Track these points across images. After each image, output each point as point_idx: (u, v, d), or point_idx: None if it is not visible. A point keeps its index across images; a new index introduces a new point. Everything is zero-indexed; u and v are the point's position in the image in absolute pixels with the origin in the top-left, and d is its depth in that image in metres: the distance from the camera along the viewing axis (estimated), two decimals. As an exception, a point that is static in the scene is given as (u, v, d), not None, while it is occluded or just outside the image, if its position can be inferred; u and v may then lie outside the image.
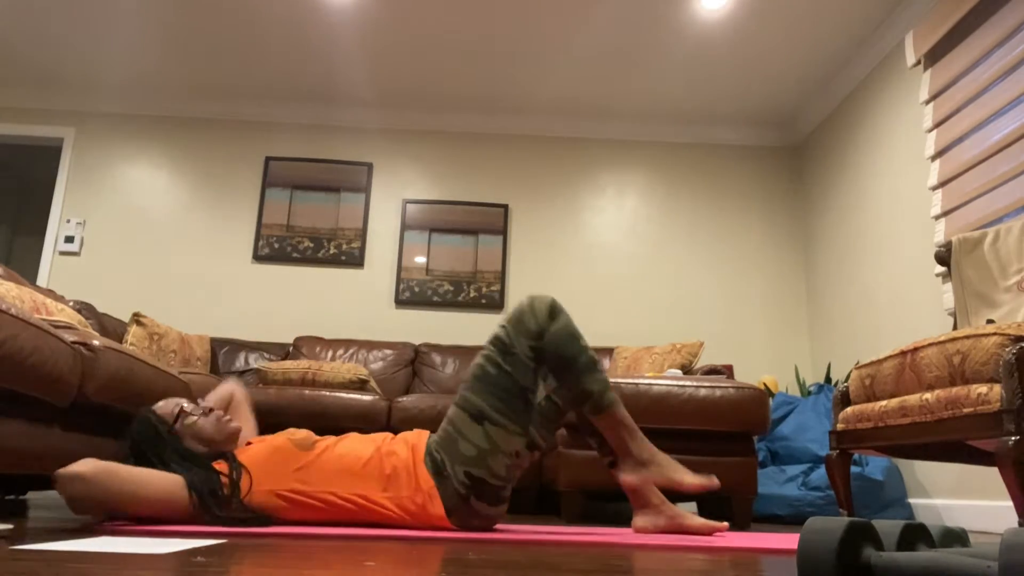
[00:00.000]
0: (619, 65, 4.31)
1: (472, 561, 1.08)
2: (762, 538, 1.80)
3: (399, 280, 4.70)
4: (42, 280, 4.62)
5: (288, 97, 4.84)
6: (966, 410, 1.68)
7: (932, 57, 3.51)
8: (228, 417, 1.75)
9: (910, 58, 3.64)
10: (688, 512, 1.76)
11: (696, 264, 4.81)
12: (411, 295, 4.68)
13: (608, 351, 4.23)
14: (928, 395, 1.81)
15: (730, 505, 2.76)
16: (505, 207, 4.82)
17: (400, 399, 3.42)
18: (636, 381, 2.78)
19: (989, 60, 3.10)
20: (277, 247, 4.73)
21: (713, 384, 2.79)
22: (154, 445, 1.64)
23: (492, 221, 4.81)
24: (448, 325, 4.67)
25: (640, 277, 4.79)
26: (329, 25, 4.05)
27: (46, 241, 4.69)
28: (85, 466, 1.48)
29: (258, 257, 4.72)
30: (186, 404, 1.73)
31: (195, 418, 1.71)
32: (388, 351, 4.24)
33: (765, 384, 4.25)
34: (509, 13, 3.87)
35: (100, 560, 0.94)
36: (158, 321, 4.57)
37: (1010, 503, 2.87)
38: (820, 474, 3.35)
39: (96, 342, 2.10)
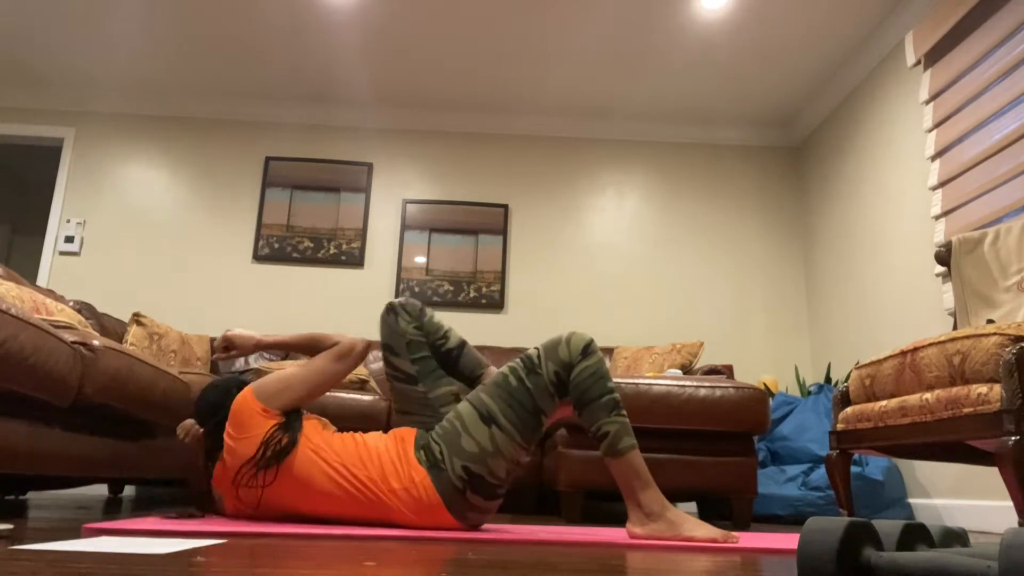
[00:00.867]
0: (619, 65, 4.31)
1: (472, 561, 1.08)
2: (762, 538, 1.80)
3: (399, 280, 4.70)
4: (42, 280, 4.62)
5: (288, 97, 4.84)
6: (966, 410, 1.68)
7: (932, 57, 3.51)
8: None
9: (910, 58, 3.64)
10: (690, 516, 1.74)
11: (696, 264, 4.81)
12: (411, 295, 4.67)
13: (608, 351, 4.23)
14: (928, 395, 1.81)
15: (730, 505, 2.76)
16: (505, 207, 4.82)
17: (400, 399, 3.42)
18: (636, 381, 2.78)
19: (989, 60, 3.10)
20: (277, 247, 4.73)
21: (713, 384, 2.79)
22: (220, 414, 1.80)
23: (492, 221, 4.81)
24: (448, 325, 4.66)
25: (640, 277, 4.79)
26: (329, 25, 4.05)
27: (46, 241, 4.69)
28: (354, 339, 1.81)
29: (258, 257, 4.72)
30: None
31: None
32: (388, 351, 4.24)
33: (765, 384, 4.25)
34: (509, 13, 3.87)
35: (100, 560, 0.94)
36: (158, 321, 4.57)
37: (1010, 503, 2.87)
38: (820, 474, 3.35)
39: (96, 342, 2.10)
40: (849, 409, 2.17)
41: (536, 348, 1.74)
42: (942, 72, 3.41)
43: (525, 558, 1.16)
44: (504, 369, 1.74)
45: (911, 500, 3.51)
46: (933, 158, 3.48)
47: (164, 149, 4.88)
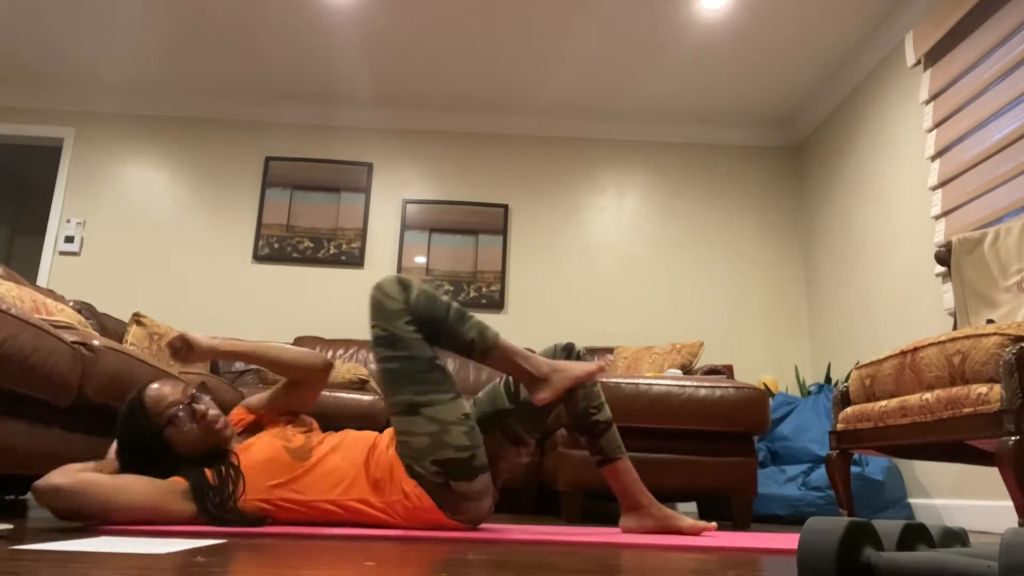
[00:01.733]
0: (619, 65, 4.31)
1: (472, 561, 1.08)
2: (762, 538, 1.80)
3: (399, 280, 4.69)
4: (42, 280, 4.62)
5: (288, 97, 4.85)
6: (966, 410, 1.68)
7: (932, 57, 3.51)
8: (222, 425, 1.65)
9: (910, 58, 3.64)
10: (679, 513, 1.75)
11: (696, 264, 4.81)
12: (411, 295, 4.67)
13: (608, 351, 4.23)
14: (928, 395, 1.81)
15: (730, 505, 2.76)
16: (505, 207, 4.82)
17: (400, 399, 3.42)
18: (636, 381, 2.78)
19: (989, 60, 3.10)
20: (277, 247, 4.73)
21: (713, 384, 2.79)
22: (144, 452, 1.58)
23: (492, 221, 4.81)
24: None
25: (640, 277, 4.79)
26: (329, 25, 4.05)
27: (46, 241, 4.69)
28: (63, 477, 1.42)
29: (258, 257, 4.72)
30: (177, 406, 1.61)
31: (180, 428, 1.60)
32: (388, 351, 4.23)
33: (765, 384, 4.25)
34: (509, 13, 3.87)
35: (100, 560, 0.94)
36: (158, 321, 4.57)
37: (1010, 503, 2.87)
38: (820, 474, 3.35)
39: (96, 342, 2.10)
40: (849, 409, 2.17)
41: (374, 326, 1.67)
42: (942, 72, 3.41)
43: (525, 558, 1.16)
44: (378, 367, 1.69)
45: (911, 500, 3.51)
46: (933, 158, 3.47)
47: (164, 149, 4.88)
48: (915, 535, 0.90)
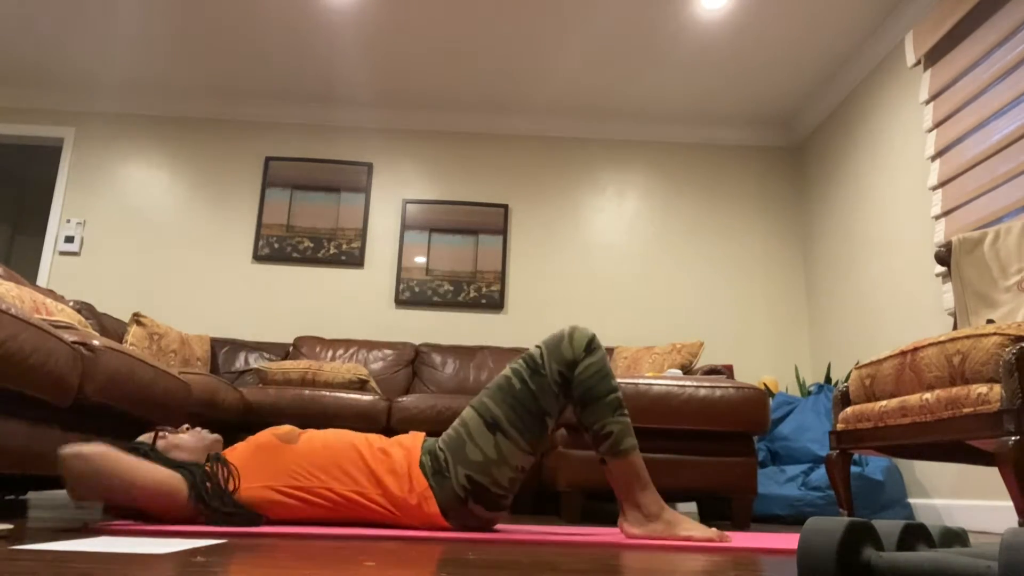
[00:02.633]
0: (619, 65, 4.31)
1: (472, 561, 1.08)
2: (762, 538, 1.80)
3: (399, 280, 4.70)
4: (42, 280, 4.62)
5: (288, 97, 4.85)
6: (966, 410, 1.68)
7: (932, 57, 3.51)
8: (205, 431, 1.74)
9: (910, 58, 3.64)
10: (686, 517, 1.72)
11: (696, 264, 4.81)
12: (411, 295, 4.68)
13: (608, 351, 4.23)
14: (928, 395, 1.81)
15: (730, 505, 2.76)
16: (505, 207, 4.83)
17: (400, 399, 3.42)
18: (636, 381, 2.78)
19: (989, 60, 3.10)
20: (277, 247, 4.73)
21: (713, 384, 2.79)
22: (145, 455, 1.63)
23: (492, 221, 4.81)
24: (448, 325, 4.67)
25: (640, 277, 4.79)
26: (329, 25, 4.05)
27: (46, 241, 4.69)
28: (89, 446, 1.48)
29: (258, 257, 4.72)
30: (161, 428, 1.72)
31: (173, 435, 1.69)
32: (388, 351, 4.24)
33: (765, 384, 4.25)
34: (509, 13, 3.87)
35: (100, 560, 0.94)
36: (158, 321, 4.57)
37: (1010, 503, 2.87)
38: (820, 474, 3.35)
39: (96, 342, 2.10)
40: (849, 409, 2.17)
41: (538, 347, 1.68)
42: (942, 72, 3.41)
43: (525, 558, 1.16)
44: (507, 371, 1.69)
45: (911, 500, 3.51)
46: (933, 158, 3.47)
47: (164, 149, 4.88)
48: (915, 535, 0.90)
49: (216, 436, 1.74)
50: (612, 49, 4.16)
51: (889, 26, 3.83)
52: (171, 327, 4.06)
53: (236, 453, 1.66)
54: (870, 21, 3.86)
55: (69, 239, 4.67)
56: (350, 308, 4.69)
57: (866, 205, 4.10)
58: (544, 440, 1.69)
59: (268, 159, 4.86)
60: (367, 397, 3.37)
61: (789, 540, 1.74)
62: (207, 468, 1.60)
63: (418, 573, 0.92)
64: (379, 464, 1.66)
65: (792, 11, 3.78)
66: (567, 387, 1.65)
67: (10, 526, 1.42)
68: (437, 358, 4.25)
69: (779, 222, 4.91)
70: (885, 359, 2.01)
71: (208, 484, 1.56)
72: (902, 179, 3.76)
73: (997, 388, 1.62)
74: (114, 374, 2.13)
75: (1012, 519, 2.84)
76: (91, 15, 4.05)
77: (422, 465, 1.65)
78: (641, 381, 2.79)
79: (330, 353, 4.18)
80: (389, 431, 3.36)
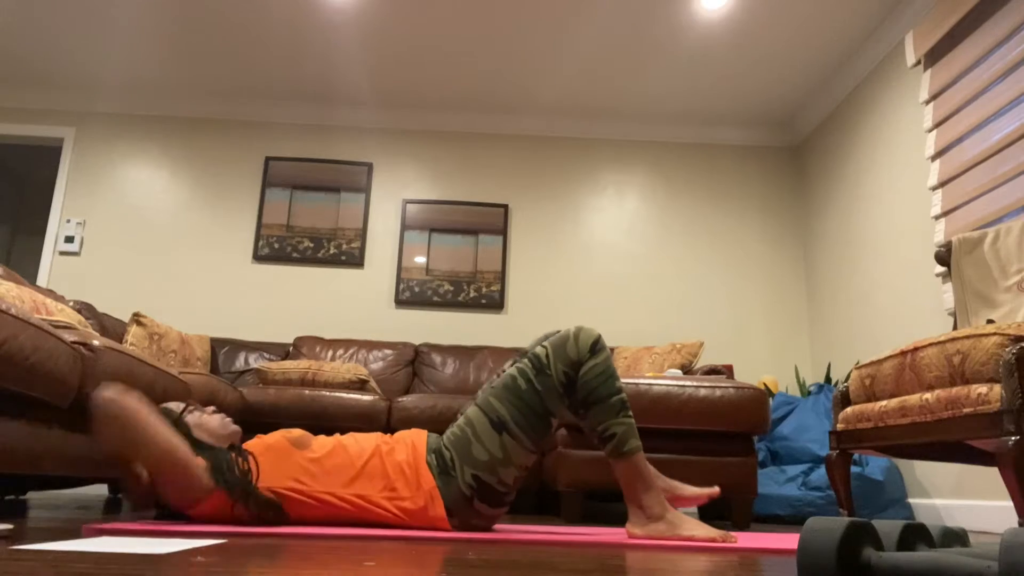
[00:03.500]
0: (619, 65, 4.31)
1: (472, 561, 1.08)
2: (762, 538, 1.80)
3: (399, 280, 4.70)
4: (42, 280, 4.62)
5: (288, 97, 4.85)
6: (966, 410, 1.68)
7: (932, 57, 3.51)
8: (229, 419, 1.76)
9: (910, 58, 3.64)
10: (689, 517, 1.72)
11: (696, 264, 4.81)
12: (411, 295, 4.68)
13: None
14: (928, 395, 1.81)
15: (730, 505, 2.76)
16: (505, 207, 4.83)
17: (400, 399, 3.42)
18: (636, 381, 2.79)
19: (989, 60, 3.10)
20: (277, 247, 4.73)
21: (713, 384, 2.79)
22: (175, 422, 1.66)
23: (492, 221, 4.81)
24: (448, 325, 4.67)
25: (640, 277, 4.79)
26: (329, 25, 4.05)
27: (46, 241, 4.69)
28: (129, 393, 1.49)
29: (258, 257, 4.72)
30: (192, 403, 1.75)
31: (201, 414, 1.72)
32: (388, 351, 4.24)
33: (765, 384, 4.25)
34: (509, 13, 3.87)
35: (100, 560, 0.94)
36: (158, 321, 4.57)
37: (1010, 503, 2.87)
38: (820, 474, 3.35)
39: (96, 342, 2.10)
40: (849, 409, 2.17)
41: (543, 346, 1.68)
42: (942, 72, 3.41)
43: (525, 558, 1.16)
44: (512, 370, 1.69)
45: (911, 500, 3.51)
46: (933, 158, 3.48)
47: (164, 149, 4.88)
48: (915, 535, 0.90)
49: (237, 428, 1.75)
50: (612, 49, 4.16)
51: (889, 26, 3.83)
52: (171, 327, 4.06)
53: (250, 445, 1.67)
54: (870, 21, 3.86)
55: (69, 239, 4.67)
56: (350, 308, 4.69)
57: (866, 205, 4.10)
58: (548, 438, 1.69)
59: (268, 159, 4.86)
60: (367, 397, 3.37)
61: (789, 540, 1.74)
62: (231, 456, 1.61)
63: (418, 573, 0.92)
64: (388, 466, 1.65)
65: (792, 11, 3.78)
66: (572, 388, 1.65)
67: (10, 526, 1.42)
68: (437, 358, 4.25)
69: (779, 222, 4.91)
70: (885, 359, 2.01)
71: (236, 470, 1.56)
72: (902, 179, 3.76)
73: (997, 388, 1.62)
74: (114, 374, 2.14)
75: (1012, 519, 2.84)
76: (91, 15, 4.05)
77: (428, 464, 1.65)
78: (641, 381, 2.79)
79: (330, 353, 4.18)
80: (389, 431, 3.36)
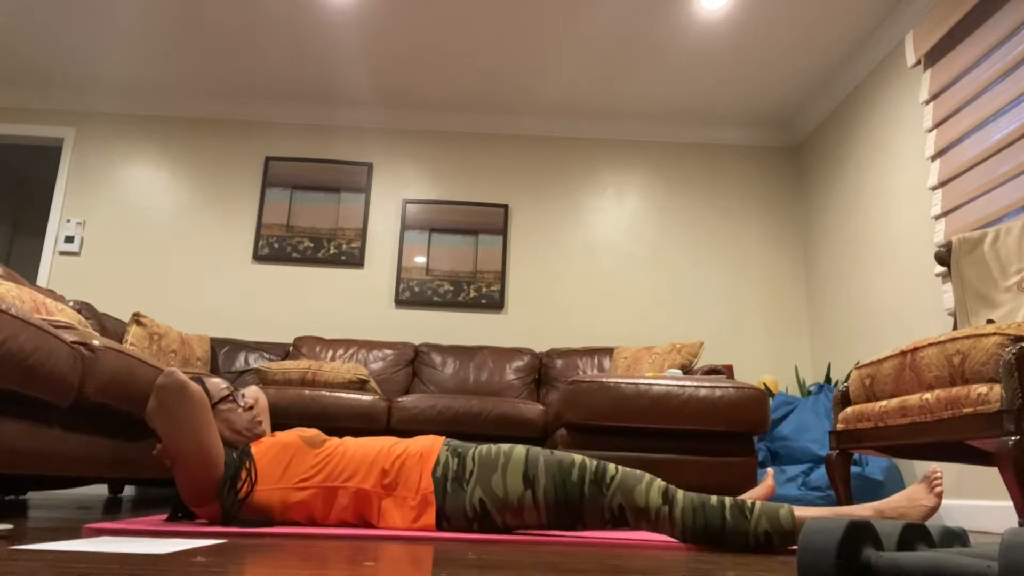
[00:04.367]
0: (619, 65, 4.31)
1: (472, 561, 1.08)
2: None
3: (399, 280, 4.70)
4: (42, 280, 4.62)
5: (288, 97, 4.85)
6: (966, 410, 1.68)
7: (932, 57, 3.51)
8: (260, 419, 1.78)
9: (910, 58, 3.64)
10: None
11: (696, 264, 4.81)
12: (411, 295, 4.68)
13: (608, 351, 4.23)
14: (928, 395, 1.81)
15: (730, 505, 2.75)
16: (505, 207, 4.82)
17: (400, 399, 3.42)
18: (636, 381, 2.78)
19: (989, 60, 3.10)
20: (277, 247, 4.73)
21: (713, 384, 2.79)
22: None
23: (492, 221, 4.81)
24: (448, 325, 4.67)
25: (640, 277, 4.79)
26: (329, 25, 4.05)
27: (46, 241, 4.69)
28: (195, 386, 1.58)
29: (258, 257, 4.72)
30: (235, 392, 1.78)
31: (237, 407, 1.75)
32: (388, 351, 4.24)
33: (765, 384, 4.25)
34: (509, 13, 3.87)
35: (100, 560, 0.94)
36: (158, 321, 4.57)
37: (1010, 503, 2.87)
38: (820, 474, 3.35)
39: (96, 342, 2.10)
40: (849, 409, 2.17)
41: (615, 466, 1.56)
42: (942, 72, 3.41)
43: (525, 558, 1.16)
44: (574, 456, 1.59)
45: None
46: (933, 158, 3.48)
47: (164, 149, 4.88)
48: (915, 535, 0.90)
49: (263, 431, 1.78)
50: (612, 49, 4.16)
51: (889, 26, 3.83)
52: (171, 327, 4.06)
53: (261, 448, 1.68)
54: (870, 21, 3.86)
55: (69, 239, 4.67)
56: (350, 308, 4.69)
57: (866, 205, 4.10)
58: (564, 520, 1.58)
59: (268, 159, 4.86)
60: (367, 397, 3.37)
61: (789, 540, 1.73)
62: (236, 466, 1.62)
63: (418, 573, 0.92)
64: (394, 462, 1.65)
65: (792, 11, 3.78)
66: (622, 520, 1.53)
67: (10, 526, 1.42)
68: (437, 358, 4.25)
69: (779, 222, 4.91)
70: (885, 359, 2.01)
71: (236, 478, 1.59)
72: (902, 179, 3.76)
73: (997, 388, 1.62)
74: (114, 374, 2.13)
75: (1012, 519, 2.84)
76: (91, 15, 4.05)
77: (435, 473, 1.62)
78: (641, 381, 2.79)
79: (330, 353, 4.18)
80: (389, 431, 3.36)
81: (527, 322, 4.69)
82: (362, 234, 4.77)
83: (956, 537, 0.99)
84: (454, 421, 3.32)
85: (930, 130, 3.50)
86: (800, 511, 1.43)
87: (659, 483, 1.53)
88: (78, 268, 4.66)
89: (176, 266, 4.70)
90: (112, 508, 2.46)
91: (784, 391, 4.35)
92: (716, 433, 2.78)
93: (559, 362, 4.24)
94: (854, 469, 3.32)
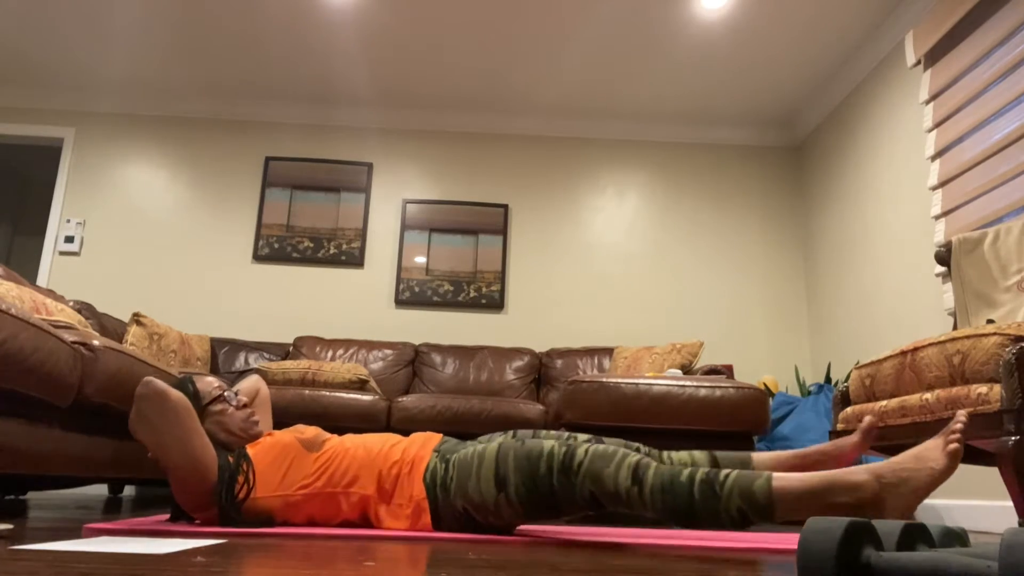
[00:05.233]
0: (619, 65, 4.31)
1: (472, 561, 1.08)
2: (762, 538, 1.80)
3: (399, 280, 4.70)
4: (42, 280, 4.62)
5: (288, 97, 4.85)
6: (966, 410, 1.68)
7: (932, 57, 3.51)
8: (257, 419, 1.74)
9: (910, 58, 3.64)
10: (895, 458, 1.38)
11: (696, 264, 4.81)
12: (411, 295, 4.68)
13: (608, 351, 4.23)
14: (928, 395, 1.81)
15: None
16: (505, 207, 4.82)
17: (400, 399, 3.42)
18: (636, 381, 2.78)
19: (989, 60, 3.10)
20: (277, 247, 4.73)
21: (713, 384, 2.79)
22: (200, 412, 1.66)
23: (492, 221, 4.81)
24: (448, 325, 4.67)
25: (640, 277, 4.79)
26: (329, 25, 4.05)
27: (46, 241, 4.69)
28: (174, 391, 1.51)
29: (258, 257, 4.72)
30: (227, 391, 1.73)
31: (229, 408, 1.70)
32: (388, 351, 4.24)
33: (765, 384, 4.25)
34: (509, 13, 3.87)
35: (100, 560, 0.94)
36: (158, 321, 4.57)
37: (1010, 503, 2.87)
38: (820, 474, 3.34)
39: (96, 342, 2.10)
40: (849, 409, 2.17)
41: (585, 448, 1.47)
42: (942, 72, 3.41)
43: (525, 558, 1.16)
44: (543, 443, 1.52)
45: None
46: (933, 158, 3.48)
47: (164, 149, 4.88)
48: (915, 535, 0.90)
49: (259, 430, 1.73)
50: (612, 49, 4.16)
51: (889, 26, 3.83)
52: (171, 327, 4.06)
53: (258, 450, 1.65)
54: (870, 21, 3.86)
55: (69, 239, 4.67)
56: (350, 308, 4.69)
57: (866, 205, 4.10)
58: (541, 513, 1.55)
59: (268, 159, 4.86)
60: (367, 397, 3.37)
61: (789, 540, 1.74)
62: (232, 469, 1.59)
63: (418, 573, 0.92)
64: (390, 469, 1.64)
65: (792, 11, 3.77)
66: (596, 505, 1.46)
67: (10, 526, 1.42)
68: (437, 358, 4.25)
69: (779, 222, 4.91)
70: (885, 359, 2.01)
71: (232, 483, 1.55)
72: (902, 179, 3.76)
73: (997, 388, 1.62)
74: (114, 374, 2.14)
75: (1012, 519, 2.84)
76: (91, 15, 4.05)
77: (425, 480, 1.61)
78: (641, 381, 2.79)
79: (330, 353, 4.18)
80: (389, 431, 3.36)
81: (527, 322, 4.69)
82: (362, 234, 4.77)
83: (956, 537, 0.99)
84: (454, 421, 3.32)
85: (930, 130, 3.50)
86: (780, 480, 1.26)
87: (630, 461, 1.40)
88: (78, 268, 4.66)
89: (176, 266, 4.70)
90: (112, 508, 2.46)
91: (784, 391, 4.35)
92: (716, 433, 2.78)
93: (559, 362, 4.24)
94: (854, 469, 3.31)
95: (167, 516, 1.74)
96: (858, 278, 4.14)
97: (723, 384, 2.79)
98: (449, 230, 4.79)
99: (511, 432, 1.74)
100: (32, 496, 3.23)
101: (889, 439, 1.95)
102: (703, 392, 2.76)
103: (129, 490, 4.31)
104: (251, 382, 1.95)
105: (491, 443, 1.59)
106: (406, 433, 3.32)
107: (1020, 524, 1.64)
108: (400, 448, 1.68)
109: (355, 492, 1.63)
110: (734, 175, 4.97)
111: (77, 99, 4.89)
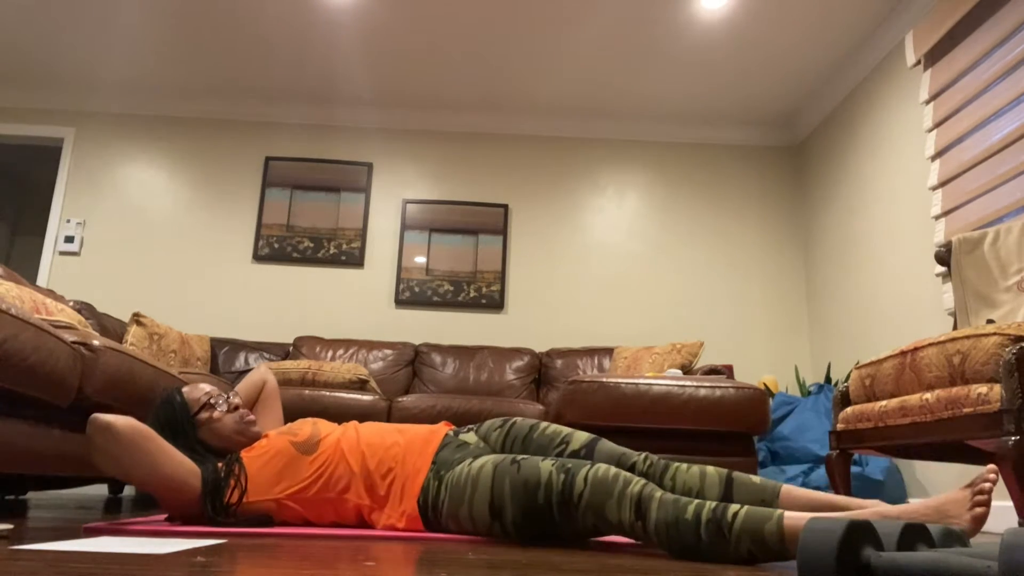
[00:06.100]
0: (619, 65, 4.31)
1: (472, 561, 1.08)
2: (762, 538, 1.79)
3: (399, 280, 4.70)
4: (42, 280, 4.62)
5: (288, 97, 4.84)
6: (966, 410, 1.68)
7: (932, 57, 3.51)
8: (252, 418, 1.71)
9: (910, 58, 3.64)
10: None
11: (696, 264, 4.81)
12: (411, 295, 4.67)
13: (608, 351, 4.23)
14: (928, 395, 1.81)
15: (730, 505, 2.76)
16: (505, 207, 4.82)
17: (400, 399, 3.42)
18: (636, 381, 2.78)
19: (989, 60, 3.10)
20: (277, 247, 4.73)
21: (713, 384, 2.79)
22: (171, 427, 1.63)
23: (492, 221, 4.81)
24: (448, 325, 4.67)
25: (640, 277, 4.79)
26: (329, 25, 4.05)
27: (46, 241, 4.69)
28: (120, 420, 1.44)
29: (258, 257, 4.72)
30: (215, 396, 1.70)
31: (219, 413, 1.68)
32: (388, 351, 4.24)
33: (765, 384, 4.25)
34: (509, 13, 3.87)
35: (100, 560, 0.94)
36: (158, 321, 4.57)
37: (1010, 503, 2.87)
38: (820, 474, 3.35)
39: (96, 342, 2.10)
40: (849, 409, 2.17)
41: (584, 475, 1.38)
42: (942, 72, 3.41)
43: (525, 558, 1.16)
44: (540, 469, 1.43)
45: (911, 500, 3.51)
46: (933, 158, 3.47)
47: (164, 149, 4.88)
48: (915, 535, 0.90)
49: (255, 431, 1.71)
50: (612, 49, 4.16)
51: (889, 26, 3.83)
52: (171, 327, 4.06)
53: (252, 455, 1.63)
54: (870, 21, 3.86)
55: (69, 239, 4.67)
56: (350, 308, 4.69)
57: (866, 205, 4.10)
58: (533, 536, 1.49)
59: (268, 159, 4.86)
60: (367, 397, 3.37)
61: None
62: (219, 467, 1.58)
63: (418, 573, 0.92)
64: (384, 478, 1.62)
65: (792, 11, 3.77)
66: (600, 533, 1.40)
67: (10, 526, 1.42)
68: (437, 358, 4.25)
69: (779, 222, 4.91)
70: (885, 359, 2.01)
71: (220, 492, 1.53)
72: (902, 179, 3.76)
73: (997, 388, 1.62)
74: (114, 374, 2.14)
75: (1012, 519, 2.84)
76: (91, 15, 4.05)
77: (418, 501, 1.57)
78: (641, 381, 2.79)
79: (330, 353, 4.18)
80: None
81: (527, 322, 4.69)
82: (362, 234, 4.77)
83: (956, 537, 0.99)
84: (454, 421, 3.32)
85: (930, 130, 3.50)
86: (791, 520, 1.17)
87: (632, 492, 1.32)
88: (78, 268, 4.66)
89: (176, 266, 4.70)
90: (112, 508, 2.46)
91: (784, 391, 4.35)
92: (716, 433, 2.78)
93: (559, 362, 4.24)
94: (854, 469, 3.32)
95: (166, 516, 1.73)
96: (858, 278, 4.14)
97: (723, 384, 2.79)
98: (449, 230, 4.79)
99: (507, 426, 1.71)
100: (32, 496, 3.23)
101: (889, 439, 1.95)
102: (703, 392, 2.76)
103: (129, 490, 4.31)
104: (257, 374, 1.92)
105: (485, 467, 1.51)
106: (406, 433, 3.32)
107: (1020, 524, 1.64)
108: (400, 450, 1.65)
109: (350, 499, 1.62)
110: (734, 175, 4.97)
111: (77, 99, 4.89)
